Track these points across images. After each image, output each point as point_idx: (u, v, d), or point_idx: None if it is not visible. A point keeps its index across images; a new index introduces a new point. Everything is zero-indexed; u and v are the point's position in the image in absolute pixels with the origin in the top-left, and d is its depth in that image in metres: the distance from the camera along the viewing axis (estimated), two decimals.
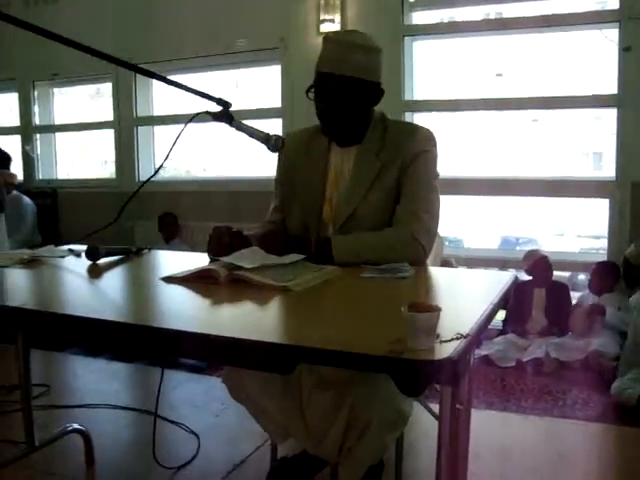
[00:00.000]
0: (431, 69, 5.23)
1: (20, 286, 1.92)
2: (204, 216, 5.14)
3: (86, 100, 6.90)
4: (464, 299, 1.60)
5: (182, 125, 2.01)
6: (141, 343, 1.39)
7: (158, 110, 6.01)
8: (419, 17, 4.94)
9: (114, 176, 6.10)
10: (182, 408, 3.19)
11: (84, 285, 1.90)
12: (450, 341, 1.13)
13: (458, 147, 5.66)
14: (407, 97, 4.91)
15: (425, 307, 1.11)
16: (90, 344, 3.93)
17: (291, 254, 1.87)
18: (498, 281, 1.68)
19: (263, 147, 2.10)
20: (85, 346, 4.29)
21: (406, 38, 4.84)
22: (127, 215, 2.15)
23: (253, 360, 1.20)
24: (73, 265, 2.09)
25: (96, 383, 3.70)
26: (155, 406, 2.54)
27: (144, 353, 3.86)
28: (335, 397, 1.90)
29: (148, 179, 2.09)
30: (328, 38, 2.09)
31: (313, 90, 2.07)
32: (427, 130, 2.16)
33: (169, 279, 1.74)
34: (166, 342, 1.30)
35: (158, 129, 6.06)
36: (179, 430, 2.94)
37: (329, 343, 1.14)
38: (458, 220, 5.49)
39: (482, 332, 1.31)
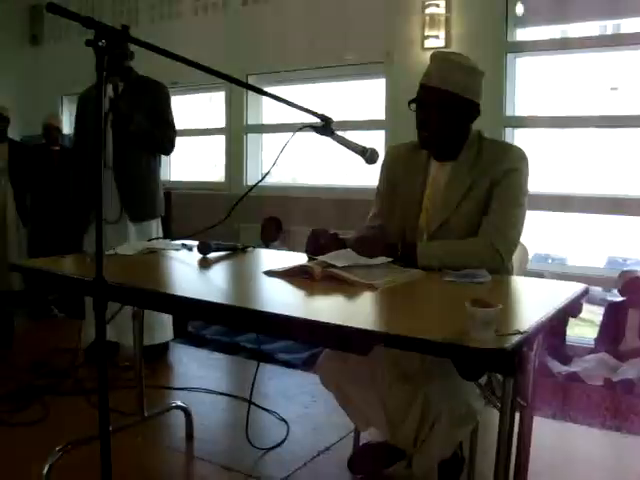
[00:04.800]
0: (535, 84, 5.23)
1: (141, 271, 2.21)
2: (307, 221, 5.38)
3: (199, 107, 7.29)
4: (530, 302, 1.74)
5: (289, 133, 2.22)
6: (242, 323, 1.62)
7: (267, 118, 6.30)
8: (524, 33, 4.99)
9: (224, 180, 6.44)
10: (275, 398, 3.42)
11: (195, 274, 2.17)
12: (508, 335, 1.28)
13: (567, 164, 5.59)
14: (509, 113, 4.97)
15: (486, 303, 1.28)
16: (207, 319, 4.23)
17: (380, 257, 2.07)
18: (567, 290, 1.81)
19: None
20: (191, 338, 4.64)
21: (509, 55, 4.91)
22: (235, 217, 2.39)
23: (335, 341, 1.41)
24: (186, 257, 2.38)
25: (198, 370, 4.01)
26: (250, 393, 2.80)
27: (241, 348, 4.14)
28: (412, 390, 2.09)
29: (256, 184, 2.32)
30: (435, 55, 2.28)
31: (415, 102, 2.26)
32: (519, 149, 2.30)
33: (270, 273, 1.97)
34: (265, 323, 1.53)
35: (266, 136, 6.35)
36: (271, 417, 3.18)
37: (401, 330, 1.33)
38: (563, 238, 5.46)
39: (541, 332, 1.45)
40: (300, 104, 2.20)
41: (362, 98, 5.78)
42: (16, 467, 2.60)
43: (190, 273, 2.20)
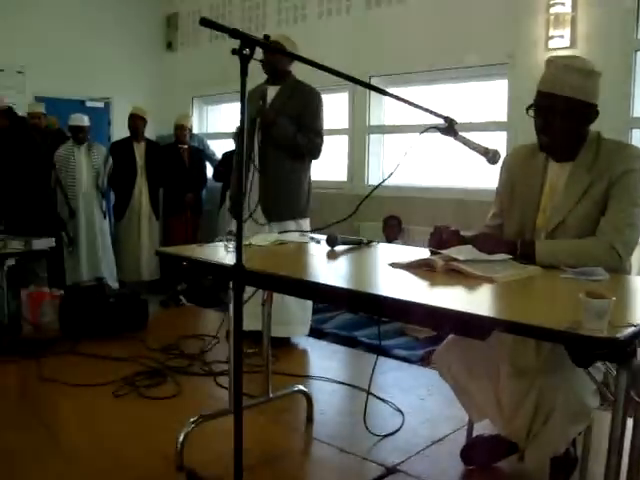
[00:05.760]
0: None
1: (274, 260, 2.43)
2: (426, 221, 5.45)
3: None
4: None
5: (410, 134, 2.35)
6: (371, 308, 1.76)
7: (389, 119, 6.39)
8: None
9: (345, 179, 6.60)
10: (391, 389, 3.54)
11: (325, 263, 2.36)
12: (620, 327, 1.35)
13: None
14: (636, 114, 4.83)
15: (600, 295, 1.36)
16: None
17: (499, 253, 2.15)
18: None
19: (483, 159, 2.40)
20: (311, 330, 4.83)
21: (639, 53, 4.77)
22: (355, 216, 2.54)
23: (456, 326, 1.52)
24: (314, 249, 2.56)
25: (318, 360, 4.22)
26: (369, 383, 2.96)
27: (358, 342, 4.29)
28: (527, 384, 2.17)
29: (381, 182, 2.44)
30: (550, 61, 2.32)
31: (533, 107, 2.31)
32: (637, 149, 2.31)
33: (395, 265, 2.12)
34: (393, 309, 1.68)
35: (388, 137, 6.44)
36: (387, 407, 3.30)
37: (518, 317, 1.42)
38: None
39: None
40: (423, 105, 2.31)
41: (482, 99, 5.77)
42: (154, 434, 2.91)
43: (320, 262, 2.39)
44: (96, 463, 2.66)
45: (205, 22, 1.82)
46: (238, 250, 1.81)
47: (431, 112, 2.29)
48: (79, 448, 2.79)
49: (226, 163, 6.48)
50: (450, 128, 2.32)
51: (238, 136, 4.20)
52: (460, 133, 2.37)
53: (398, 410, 3.25)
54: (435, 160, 5.82)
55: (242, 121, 1.90)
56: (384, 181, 2.42)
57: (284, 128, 4.04)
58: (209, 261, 2.31)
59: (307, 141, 4.14)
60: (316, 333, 4.87)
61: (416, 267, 2.06)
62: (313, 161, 4.40)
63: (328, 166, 6.55)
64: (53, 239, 4.61)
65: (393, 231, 5.67)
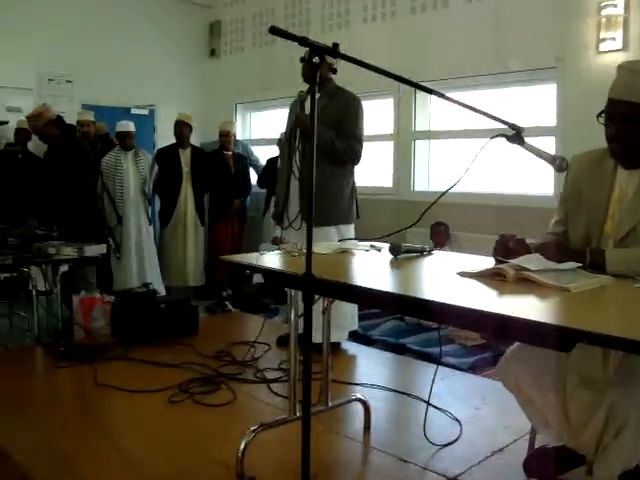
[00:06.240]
0: None
1: (340, 268, 2.43)
2: (473, 227, 5.42)
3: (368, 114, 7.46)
4: None
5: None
6: (451, 319, 1.75)
7: (435, 125, 6.35)
8: None
9: (391, 185, 6.55)
10: (444, 398, 3.49)
11: (393, 272, 2.36)
12: None
13: None
14: None
15: None
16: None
17: (568, 262, 2.12)
18: None
19: (543, 166, 2.37)
20: (358, 336, 4.80)
21: None
22: (402, 222, 2.52)
23: (537, 337, 1.50)
24: (377, 257, 2.56)
25: (368, 367, 4.19)
26: (429, 393, 2.96)
27: (406, 349, 4.24)
28: (595, 396, 2.12)
29: (449, 189, 2.40)
30: (620, 67, 2.27)
31: (604, 115, 2.27)
32: None
33: (464, 274, 2.09)
34: (465, 318, 1.66)
35: (434, 142, 6.40)
36: (442, 415, 3.26)
37: (602, 329, 1.40)
38: None
39: None
40: (489, 112, 2.29)
41: (528, 103, 5.70)
42: (212, 442, 2.91)
43: (386, 271, 2.38)
44: (156, 469, 2.67)
45: (274, 31, 1.82)
46: (308, 259, 1.81)
47: (496, 119, 2.26)
48: (138, 454, 2.81)
49: (270, 169, 6.50)
50: (517, 136, 2.29)
51: (287, 142, 4.22)
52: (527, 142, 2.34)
53: (455, 419, 3.21)
54: (481, 166, 5.76)
55: (313, 127, 1.90)
56: (452, 187, 2.39)
57: (321, 134, 4.04)
58: (279, 270, 2.32)
59: (346, 146, 4.15)
60: (364, 340, 4.86)
61: (486, 276, 2.03)
62: (356, 167, 4.39)
63: (373, 172, 6.53)
64: (104, 245, 4.68)
65: (441, 237, 5.63)
